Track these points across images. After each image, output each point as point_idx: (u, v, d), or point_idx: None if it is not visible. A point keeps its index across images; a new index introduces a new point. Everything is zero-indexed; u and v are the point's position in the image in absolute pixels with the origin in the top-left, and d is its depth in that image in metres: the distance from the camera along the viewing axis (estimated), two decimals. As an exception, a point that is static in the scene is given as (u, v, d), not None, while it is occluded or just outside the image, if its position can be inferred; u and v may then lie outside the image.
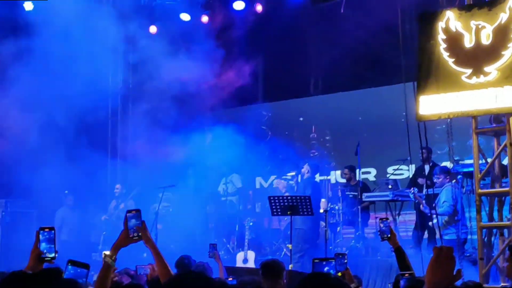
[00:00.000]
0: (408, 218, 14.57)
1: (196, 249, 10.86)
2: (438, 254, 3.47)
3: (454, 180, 12.70)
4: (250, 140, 16.20)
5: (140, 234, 4.86)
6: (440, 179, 12.71)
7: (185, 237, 14.87)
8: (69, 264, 4.63)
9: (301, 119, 18.79)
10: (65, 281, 3.75)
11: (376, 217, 14.50)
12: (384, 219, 6.67)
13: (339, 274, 6.06)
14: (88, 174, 15.76)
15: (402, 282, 5.55)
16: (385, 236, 6.55)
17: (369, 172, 17.60)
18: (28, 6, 16.15)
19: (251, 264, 13.88)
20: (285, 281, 7.57)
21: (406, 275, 5.66)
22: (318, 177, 16.24)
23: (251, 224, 14.87)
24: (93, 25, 15.46)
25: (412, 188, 13.30)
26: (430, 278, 3.40)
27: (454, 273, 3.39)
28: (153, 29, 17.73)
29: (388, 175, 15.64)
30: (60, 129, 15.43)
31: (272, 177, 17.85)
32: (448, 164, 13.70)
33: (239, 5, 16.76)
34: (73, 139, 15.90)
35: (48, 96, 14.84)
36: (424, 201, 12.87)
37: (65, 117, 15.37)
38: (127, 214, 4.87)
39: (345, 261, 6.33)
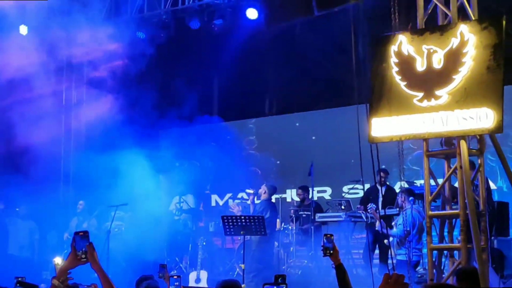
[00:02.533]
0: (360, 239, 14.67)
1: (148, 268, 10.79)
2: (386, 280, 3.51)
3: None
4: (207, 159, 16.21)
5: (87, 256, 4.86)
6: (401, 199, 12.77)
7: (137, 256, 14.78)
8: (18, 285, 4.60)
9: (252, 137, 18.86)
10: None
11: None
12: (329, 235, 6.65)
13: None
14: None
15: None
16: (328, 252, 6.55)
17: (324, 191, 17.71)
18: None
19: (203, 283, 13.83)
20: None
21: None
22: (273, 196, 16.31)
23: (204, 243, 14.83)
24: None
25: (369, 204, 13.35)
26: None
27: None
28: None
29: (343, 194, 15.74)
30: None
31: (228, 195, 17.84)
32: (399, 185, 13.84)
33: (195, 24, 16.77)
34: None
35: None
36: (380, 224, 12.95)
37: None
38: (75, 236, 4.87)
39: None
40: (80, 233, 4.89)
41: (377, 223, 13.10)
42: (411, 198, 12.53)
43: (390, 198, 13.45)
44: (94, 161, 16.00)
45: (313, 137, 18.34)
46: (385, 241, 13.11)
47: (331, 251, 6.53)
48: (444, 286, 2.90)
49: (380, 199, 13.38)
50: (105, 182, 15.60)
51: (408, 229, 12.35)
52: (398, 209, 12.68)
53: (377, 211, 12.96)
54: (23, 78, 15.53)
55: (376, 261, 13.48)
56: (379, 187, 13.83)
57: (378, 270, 13.27)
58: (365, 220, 13.70)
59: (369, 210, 13.46)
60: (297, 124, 18.68)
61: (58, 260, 5.36)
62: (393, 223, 12.48)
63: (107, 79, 16.70)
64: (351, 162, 14.16)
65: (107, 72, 17.00)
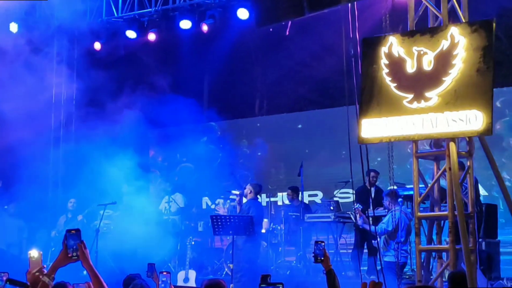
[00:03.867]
0: (349, 240, 14.69)
1: (136, 267, 10.78)
2: None
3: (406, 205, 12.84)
4: (196, 160, 16.20)
5: (78, 254, 4.85)
6: (387, 202, 12.83)
7: (125, 255, 14.75)
8: (7, 282, 4.58)
9: (244, 141, 18.86)
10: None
11: (317, 238, 14.62)
12: (319, 242, 6.84)
13: None
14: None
15: None
16: (319, 258, 6.76)
17: (316, 195, 17.72)
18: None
19: (192, 283, 13.83)
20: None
21: None
22: (264, 199, 16.32)
23: (193, 243, 14.83)
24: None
25: (354, 203, 13.39)
26: None
27: None
28: (97, 46, 17.68)
29: (334, 198, 15.78)
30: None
31: (219, 200, 17.81)
32: (389, 187, 13.88)
33: (185, 24, 16.76)
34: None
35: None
36: (362, 218, 13.02)
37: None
38: (67, 234, 4.86)
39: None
40: (72, 231, 4.88)
41: (358, 219, 13.13)
42: (400, 199, 12.59)
43: (379, 199, 13.47)
44: (83, 160, 15.99)
45: (303, 139, 18.36)
46: (373, 241, 13.17)
47: (322, 258, 6.75)
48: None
49: (371, 199, 13.39)
50: (94, 181, 15.59)
51: (396, 223, 12.42)
52: (386, 211, 12.71)
53: (367, 211, 12.99)
54: (12, 75, 15.48)
55: (365, 267, 13.51)
56: (369, 188, 13.86)
57: (367, 270, 13.32)
58: (354, 221, 13.72)
59: (354, 210, 13.54)
60: (288, 125, 18.68)
61: (34, 253, 5.34)
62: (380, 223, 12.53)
63: (97, 78, 16.65)
64: (341, 164, 14.17)
65: (97, 71, 16.96)
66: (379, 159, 14.07)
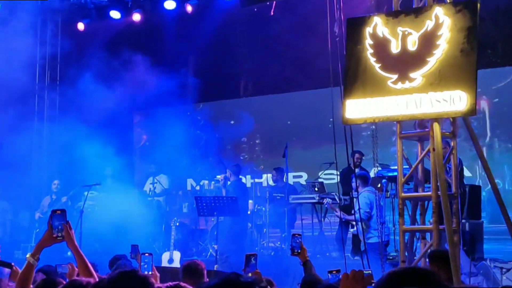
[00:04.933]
0: (333, 220, 14.74)
1: (120, 248, 10.79)
2: (345, 278, 3.62)
3: (380, 185, 12.93)
4: (182, 141, 16.16)
5: (64, 234, 4.83)
6: (356, 184, 12.93)
7: (110, 236, 14.75)
8: None
9: (232, 122, 18.83)
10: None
11: (301, 219, 14.71)
12: (296, 235, 7.05)
13: (250, 274, 6.35)
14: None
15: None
16: (296, 251, 6.97)
17: (300, 176, 17.75)
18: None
19: (176, 264, 13.84)
20: (207, 281, 7.58)
21: None
22: (248, 180, 16.33)
23: (177, 224, 14.84)
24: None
25: (325, 198, 13.67)
26: None
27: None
28: (81, 26, 17.62)
29: (318, 179, 15.81)
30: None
31: (204, 181, 17.81)
32: (373, 169, 13.94)
33: (170, 5, 16.68)
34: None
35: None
36: (338, 209, 13.29)
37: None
38: (52, 214, 4.84)
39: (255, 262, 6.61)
40: (58, 211, 4.86)
41: (338, 213, 13.35)
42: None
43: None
44: (67, 140, 15.94)
45: (288, 121, 18.38)
46: (351, 230, 13.33)
47: (299, 251, 6.96)
48: (411, 270, 2.91)
49: (355, 181, 13.43)
50: (78, 162, 15.55)
51: (368, 210, 12.64)
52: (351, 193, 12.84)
53: (351, 193, 13.05)
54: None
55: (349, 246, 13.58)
56: (353, 169, 13.90)
57: (351, 251, 13.38)
58: (338, 202, 13.77)
59: (325, 205, 13.73)
60: (273, 106, 18.66)
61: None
62: (352, 211, 12.71)
63: (82, 58, 16.59)
64: (325, 146, 14.18)
65: (81, 50, 16.90)
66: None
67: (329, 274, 6.16)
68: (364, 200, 12.83)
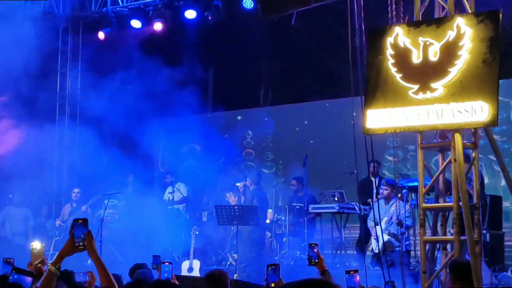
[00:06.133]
0: (353, 231, 14.69)
1: (140, 257, 10.81)
2: None
3: (400, 195, 12.88)
4: (202, 150, 16.18)
5: (85, 243, 4.85)
6: (388, 191, 12.88)
7: (130, 245, 14.78)
8: (14, 271, 4.61)
9: (249, 132, 18.83)
10: (10, 285, 3.73)
11: (321, 229, 14.67)
12: (313, 245, 6.94)
13: (272, 285, 6.34)
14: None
15: None
16: (313, 261, 6.85)
17: (320, 185, 17.69)
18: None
19: (196, 273, 13.84)
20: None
21: None
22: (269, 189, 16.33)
23: (197, 233, 14.83)
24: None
25: (349, 203, 13.62)
26: None
27: None
28: (101, 35, 17.72)
29: (336, 187, 15.76)
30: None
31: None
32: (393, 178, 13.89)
33: (190, 14, 16.73)
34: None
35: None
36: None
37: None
38: (74, 223, 4.86)
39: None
40: (79, 221, 4.88)
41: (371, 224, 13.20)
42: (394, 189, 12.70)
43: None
44: (88, 150, 16.00)
45: (308, 130, 18.35)
46: (374, 246, 13.20)
47: (316, 260, 6.84)
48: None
49: (374, 190, 13.39)
50: (99, 171, 15.60)
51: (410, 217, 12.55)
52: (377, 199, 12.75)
53: (371, 203, 12.98)
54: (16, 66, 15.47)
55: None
56: (372, 179, 13.86)
57: (370, 261, 13.32)
58: (358, 212, 13.73)
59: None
60: (293, 116, 18.64)
61: (37, 245, 5.35)
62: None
63: (102, 68, 16.66)
64: (345, 155, 14.13)
65: (99, 61, 16.99)
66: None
67: (346, 275, 6.17)
68: (397, 209, 12.67)
